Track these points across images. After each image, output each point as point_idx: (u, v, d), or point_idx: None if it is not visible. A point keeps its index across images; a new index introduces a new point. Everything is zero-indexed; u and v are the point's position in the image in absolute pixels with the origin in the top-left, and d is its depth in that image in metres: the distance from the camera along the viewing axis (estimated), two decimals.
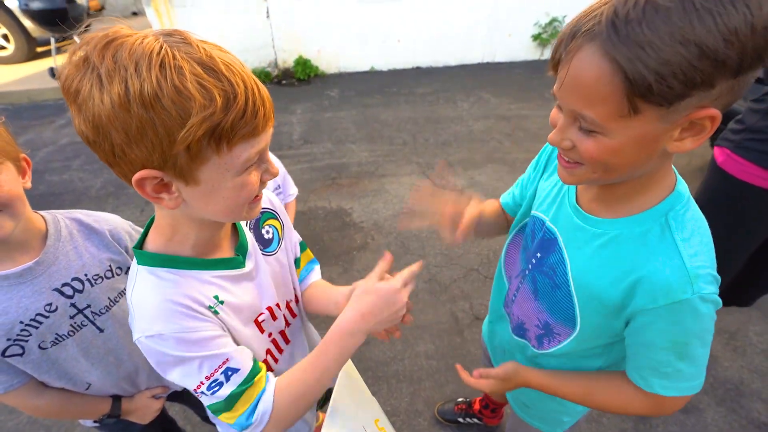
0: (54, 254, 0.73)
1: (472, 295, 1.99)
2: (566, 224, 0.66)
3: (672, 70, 0.40)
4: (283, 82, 4.79)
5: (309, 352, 0.64)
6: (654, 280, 0.53)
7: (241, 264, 0.63)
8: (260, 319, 0.67)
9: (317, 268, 0.87)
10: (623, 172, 0.52)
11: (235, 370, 0.56)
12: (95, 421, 0.90)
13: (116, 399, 0.88)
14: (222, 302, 0.58)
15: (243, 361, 0.57)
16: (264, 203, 0.73)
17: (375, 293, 0.60)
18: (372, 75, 5.04)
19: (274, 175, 0.54)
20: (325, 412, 0.65)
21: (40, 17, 4.34)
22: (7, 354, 0.70)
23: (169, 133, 0.42)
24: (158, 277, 0.54)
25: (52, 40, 4.57)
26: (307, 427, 0.92)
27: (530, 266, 0.74)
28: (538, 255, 0.71)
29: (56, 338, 0.75)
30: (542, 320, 0.72)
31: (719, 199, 1.19)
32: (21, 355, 0.71)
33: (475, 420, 1.44)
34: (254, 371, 0.58)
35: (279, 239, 0.74)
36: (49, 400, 0.79)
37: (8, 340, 0.69)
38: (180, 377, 0.54)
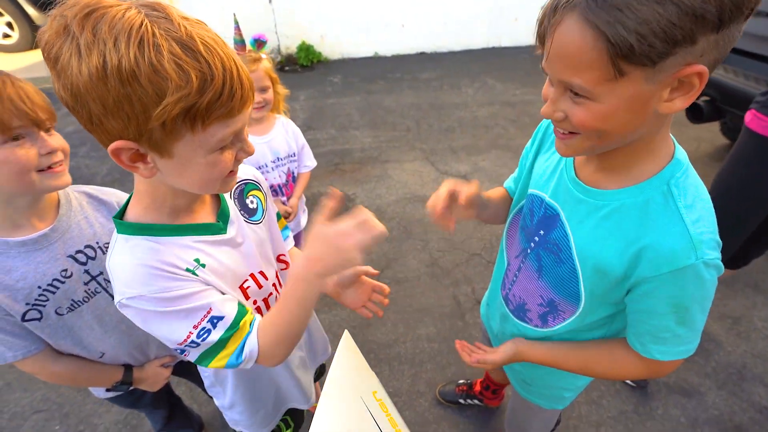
0: (67, 222, 0.77)
1: (474, 279, 2.00)
2: (567, 198, 0.66)
3: (651, 29, 0.40)
4: (286, 68, 4.76)
5: None
6: (658, 248, 0.54)
7: (221, 230, 0.64)
8: (245, 285, 0.68)
9: (291, 236, 0.91)
10: (617, 138, 0.52)
11: (220, 318, 0.57)
12: (108, 389, 0.93)
13: (128, 368, 0.92)
14: (203, 265, 0.60)
15: (226, 309, 0.58)
16: (247, 176, 0.75)
17: (320, 238, 0.57)
18: (375, 61, 4.98)
19: (250, 153, 0.55)
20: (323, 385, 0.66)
21: (45, 5, 4.33)
22: (26, 318, 0.73)
23: (144, 109, 0.43)
24: (136, 244, 0.55)
25: None
26: (306, 399, 0.95)
27: (533, 244, 0.73)
28: (541, 232, 0.71)
29: (72, 304, 0.78)
30: (546, 298, 0.73)
31: (747, 156, 1.28)
32: (39, 320, 0.74)
33: (476, 401, 1.46)
34: (239, 316, 0.59)
35: (263, 210, 0.76)
36: (64, 367, 0.82)
37: (27, 304, 0.72)
38: (169, 331, 0.55)
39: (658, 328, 0.59)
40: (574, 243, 0.64)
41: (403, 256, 2.15)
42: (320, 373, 1.15)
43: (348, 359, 0.69)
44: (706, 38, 0.41)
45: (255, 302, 0.72)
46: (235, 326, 0.58)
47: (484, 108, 3.68)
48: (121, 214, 0.58)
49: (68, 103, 0.44)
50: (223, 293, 0.61)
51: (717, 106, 2.24)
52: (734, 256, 1.49)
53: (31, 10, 4.73)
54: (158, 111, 0.42)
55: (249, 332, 0.60)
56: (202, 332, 0.56)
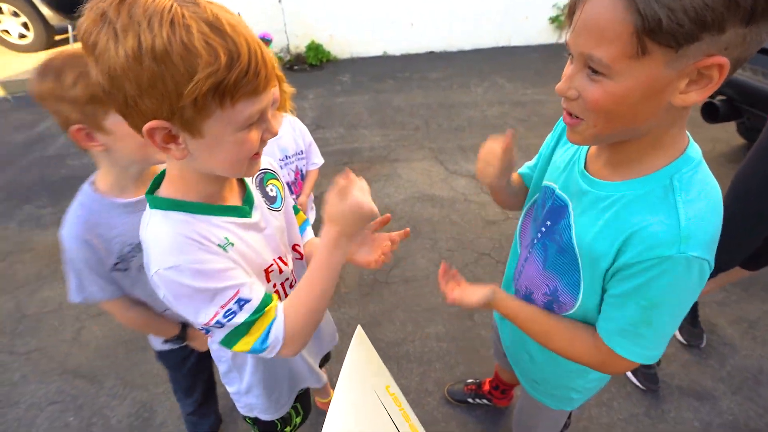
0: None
1: (483, 279, 1.98)
2: (574, 190, 0.66)
3: (683, 5, 0.39)
4: (295, 67, 4.78)
5: None
6: (644, 235, 0.53)
7: (248, 213, 0.67)
8: (270, 269, 0.71)
9: (310, 227, 0.94)
10: (625, 124, 0.51)
11: (247, 300, 0.59)
12: (165, 341, 1.05)
13: (184, 325, 1.02)
14: (232, 244, 0.62)
15: (253, 292, 0.61)
16: (265, 165, 0.79)
17: (337, 207, 0.62)
18: (384, 60, 4.98)
19: (274, 134, 0.58)
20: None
21: (59, 5, 4.41)
22: (115, 268, 0.86)
23: (177, 86, 0.45)
24: (171, 217, 0.58)
25: (70, 28, 4.65)
26: (318, 379, 0.97)
27: (539, 234, 0.74)
28: (548, 223, 0.71)
29: None
30: (551, 286, 0.73)
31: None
32: (125, 270, 0.87)
33: (485, 401, 1.46)
34: (264, 302, 0.61)
35: (282, 198, 0.79)
36: (137, 314, 0.94)
37: (119, 257, 0.85)
38: (196, 308, 0.57)
39: (623, 319, 0.59)
40: (575, 233, 0.64)
41: (411, 255, 2.15)
42: (326, 360, 1.17)
43: (361, 354, 0.69)
44: (735, 30, 0.40)
45: (275, 285, 0.74)
46: (260, 311, 0.60)
47: (494, 107, 3.66)
48: (151, 191, 0.61)
49: (105, 88, 0.47)
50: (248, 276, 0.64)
51: (734, 105, 2.20)
52: (753, 255, 1.46)
53: (46, 11, 4.81)
54: (190, 87, 0.45)
55: (275, 318, 0.62)
56: (228, 313, 0.58)
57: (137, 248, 0.85)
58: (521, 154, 3.24)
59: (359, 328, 0.75)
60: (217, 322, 0.58)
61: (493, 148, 0.78)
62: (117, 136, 0.74)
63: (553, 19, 4.95)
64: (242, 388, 0.88)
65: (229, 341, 0.60)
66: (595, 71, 0.48)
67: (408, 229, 0.80)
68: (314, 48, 4.77)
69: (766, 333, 1.70)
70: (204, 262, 0.56)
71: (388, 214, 0.78)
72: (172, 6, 0.44)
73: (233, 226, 0.63)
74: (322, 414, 1.46)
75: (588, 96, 0.50)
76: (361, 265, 0.76)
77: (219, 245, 0.60)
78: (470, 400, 1.47)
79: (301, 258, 0.87)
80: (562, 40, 5.15)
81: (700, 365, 1.59)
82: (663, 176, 0.54)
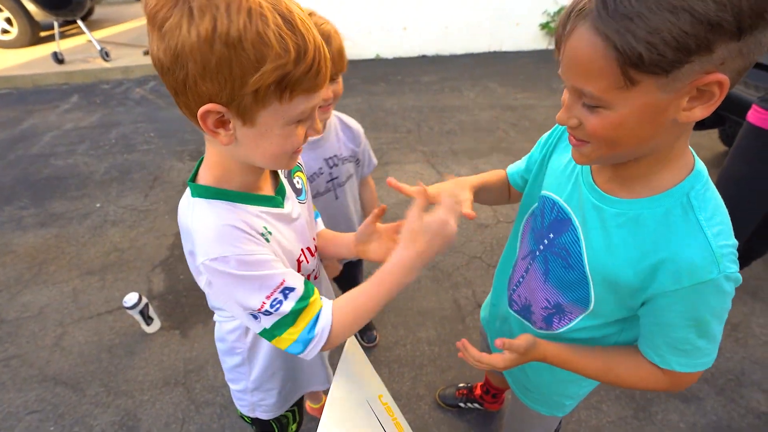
0: (327, 136, 1.08)
1: (474, 282, 1.99)
2: (582, 204, 0.65)
3: (662, 37, 0.39)
4: None
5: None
6: (678, 261, 0.53)
7: (281, 204, 0.68)
8: (300, 259, 0.71)
9: (320, 219, 0.95)
10: (630, 147, 0.51)
11: (292, 289, 0.59)
12: None
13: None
14: (270, 233, 0.62)
15: (297, 282, 0.61)
16: None
17: (429, 232, 0.61)
18: (377, 63, 4.99)
19: (318, 132, 0.59)
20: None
21: (43, 1, 4.31)
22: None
23: (243, 74, 0.45)
24: (215, 206, 0.58)
25: (56, 25, 4.55)
26: (328, 379, 0.98)
27: (541, 247, 0.73)
28: (551, 236, 0.70)
29: (315, 193, 1.10)
30: (552, 301, 0.72)
31: (746, 150, 1.36)
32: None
33: (476, 405, 1.46)
34: (308, 292, 0.62)
35: (306, 191, 0.80)
36: None
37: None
38: (245, 297, 0.57)
39: (678, 341, 0.58)
40: (586, 250, 0.63)
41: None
42: None
43: (354, 363, 0.68)
44: (726, 46, 0.40)
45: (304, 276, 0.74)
46: (305, 299, 0.60)
47: (485, 111, 3.69)
48: (192, 179, 0.61)
49: (164, 65, 0.46)
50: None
51: (717, 113, 2.25)
52: (740, 255, 1.49)
53: (30, 6, 4.71)
54: (256, 77, 0.45)
55: (321, 308, 0.62)
56: (275, 302, 0.58)
57: (311, 178, 1.06)
58: (512, 158, 3.26)
59: (351, 337, 0.74)
60: (265, 311, 0.58)
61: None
62: None
63: (544, 26, 5.03)
64: (249, 386, 0.86)
65: (275, 329, 0.60)
66: (589, 105, 0.48)
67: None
68: None
69: (748, 335, 1.74)
70: (250, 252, 0.57)
71: (384, 205, 0.77)
72: None
73: (268, 216, 0.64)
74: (312, 420, 1.44)
75: (588, 125, 0.50)
76: (376, 261, 0.74)
77: (262, 234, 0.60)
78: (462, 404, 1.47)
79: (316, 251, 0.86)
80: (552, 47, 5.23)
81: None
82: (679, 194, 0.54)
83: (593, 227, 0.63)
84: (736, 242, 0.54)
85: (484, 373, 1.56)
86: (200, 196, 0.59)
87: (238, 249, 0.55)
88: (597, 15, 0.42)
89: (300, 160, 0.82)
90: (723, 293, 0.53)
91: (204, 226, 0.56)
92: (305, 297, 0.61)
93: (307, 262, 0.74)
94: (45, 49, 4.89)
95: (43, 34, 5.21)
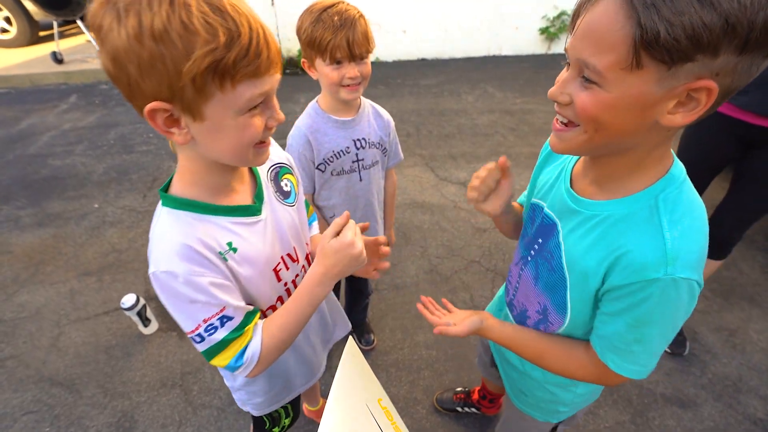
0: (360, 117, 1.14)
1: (472, 286, 1.99)
2: (561, 208, 0.67)
3: (682, 22, 0.40)
4: (287, 71, 4.75)
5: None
6: (631, 258, 0.54)
7: (257, 211, 0.67)
8: (278, 268, 0.71)
9: (316, 223, 0.96)
10: (610, 136, 0.51)
11: (230, 318, 0.61)
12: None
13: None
14: (235, 249, 0.62)
15: (237, 312, 0.62)
16: (281, 159, 0.78)
17: (332, 253, 0.65)
18: (377, 66, 4.99)
19: (280, 121, 0.57)
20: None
21: (43, 1, 4.31)
22: (318, 167, 1.13)
23: (176, 65, 0.45)
24: (178, 218, 0.58)
25: (55, 24, 4.54)
26: (317, 368, 1.00)
27: (532, 252, 0.74)
28: (540, 241, 0.72)
29: (340, 171, 1.16)
30: (542, 304, 0.73)
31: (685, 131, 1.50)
32: (322, 171, 1.14)
33: (473, 409, 1.46)
34: (245, 322, 0.63)
35: (295, 193, 0.79)
36: (316, 211, 1.14)
37: (323, 159, 1.12)
38: (183, 316, 0.59)
39: (615, 336, 0.60)
40: (564, 252, 0.65)
41: (402, 262, 2.15)
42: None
43: (353, 366, 0.68)
44: (727, 57, 0.41)
45: (285, 284, 0.75)
46: (239, 330, 0.62)
47: (484, 116, 3.70)
48: (165, 188, 0.61)
49: (111, 71, 0.47)
50: (245, 288, 0.66)
51: None
52: (717, 245, 1.44)
53: (29, 5, 4.70)
54: (188, 65, 0.45)
55: (251, 339, 0.64)
56: (210, 328, 0.60)
57: (337, 155, 1.12)
58: (511, 162, 3.28)
59: (350, 338, 0.74)
60: (198, 334, 0.60)
61: (490, 169, 0.76)
62: (321, 74, 1.02)
63: (543, 30, 5.05)
64: (235, 384, 0.89)
65: (207, 355, 0.62)
66: (588, 79, 0.49)
67: (386, 237, 0.82)
68: None
69: (745, 341, 1.74)
70: (198, 274, 0.57)
71: (385, 238, 0.80)
72: None
73: (241, 227, 0.64)
74: (311, 423, 1.44)
75: (579, 100, 0.50)
76: (359, 275, 0.76)
77: (220, 253, 0.60)
78: (459, 408, 1.47)
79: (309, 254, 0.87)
80: (551, 51, 5.26)
81: (682, 373, 1.62)
82: (648, 196, 0.55)
83: (570, 230, 0.64)
84: (701, 250, 0.54)
85: (481, 378, 1.57)
86: (167, 205, 0.59)
87: (188, 269, 0.56)
88: None
89: (291, 161, 0.81)
90: (668, 297, 0.53)
91: (162, 238, 0.57)
92: (240, 328, 0.62)
93: (287, 269, 0.74)
94: (44, 49, 4.89)
95: (42, 33, 5.20)
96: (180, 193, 0.60)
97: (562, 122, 0.55)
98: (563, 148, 0.57)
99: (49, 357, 1.69)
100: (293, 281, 0.76)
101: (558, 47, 5.23)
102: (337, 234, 0.65)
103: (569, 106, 0.52)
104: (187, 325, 0.60)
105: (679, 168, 0.57)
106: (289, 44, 4.80)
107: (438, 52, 5.12)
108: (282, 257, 0.72)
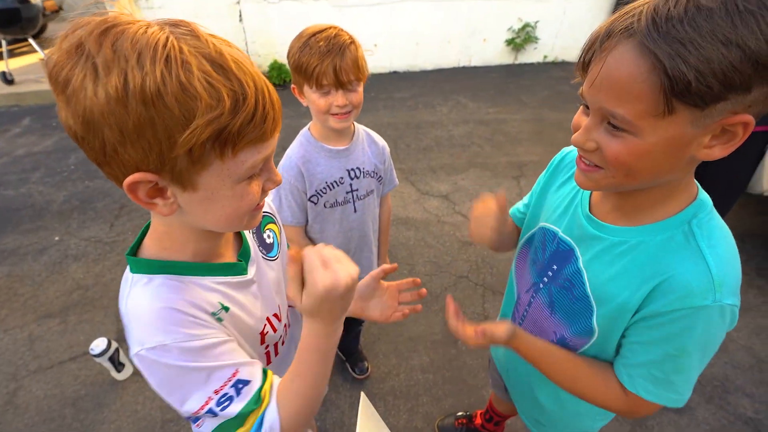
0: (354, 146, 1.08)
1: (463, 303, 1.97)
2: (581, 234, 0.64)
3: (712, 68, 0.39)
4: None
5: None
6: (674, 283, 0.52)
7: (243, 270, 0.59)
8: (265, 331, 0.63)
9: None
10: (645, 178, 0.50)
11: (246, 382, 0.50)
12: None
13: None
14: (227, 309, 0.54)
15: (253, 372, 0.52)
16: (263, 208, 0.69)
17: (317, 297, 0.49)
18: None
19: (277, 183, 0.51)
20: None
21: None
22: (310, 199, 1.06)
23: (169, 134, 0.38)
24: (155, 284, 0.49)
25: (3, 43, 4.25)
26: None
27: (545, 279, 0.71)
28: (555, 267, 0.69)
29: (334, 202, 1.09)
30: (558, 334, 0.70)
31: None
32: (315, 203, 1.08)
33: None
34: (262, 383, 0.52)
35: (278, 244, 0.71)
36: (305, 245, 1.04)
37: (316, 190, 1.06)
38: (185, 395, 0.48)
39: (654, 366, 0.57)
40: (588, 280, 0.62)
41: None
42: None
43: (370, 428, 0.62)
44: (760, 89, 0.40)
45: (267, 347, 0.66)
46: (258, 395, 0.51)
47: (460, 127, 3.74)
48: (134, 252, 0.52)
49: (77, 134, 0.39)
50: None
51: None
52: None
53: None
54: (186, 136, 0.38)
55: (269, 404, 0.52)
56: (224, 399, 0.49)
57: (330, 186, 1.06)
58: (489, 173, 3.28)
59: (363, 396, 0.68)
60: (209, 410, 0.48)
61: (488, 206, 0.75)
62: (309, 100, 0.97)
63: (509, 42, 5.21)
64: None
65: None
66: (616, 127, 0.46)
67: (418, 279, 0.75)
68: (277, 67, 4.69)
69: (727, 339, 1.77)
70: (196, 338, 0.48)
71: (395, 265, 0.72)
72: (167, 39, 0.37)
73: (226, 287, 0.56)
74: None
75: (609, 150, 0.48)
76: (374, 320, 0.69)
77: (213, 314, 0.52)
78: None
79: (291, 306, 0.79)
80: (518, 62, 5.43)
81: None
82: (681, 221, 0.54)
83: (594, 257, 0.62)
84: (739, 277, 0.53)
85: (481, 399, 1.53)
86: (140, 271, 0.50)
87: (180, 335, 0.46)
88: (647, 34, 0.41)
89: (272, 208, 0.73)
90: (713, 325, 0.52)
91: (138, 308, 0.47)
92: (258, 392, 0.51)
93: (274, 331, 0.65)
94: None
95: None
96: (155, 257, 0.51)
97: (587, 163, 0.53)
98: (593, 186, 0.55)
99: (4, 416, 1.51)
100: (275, 345, 0.68)
101: (524, 57, 5.40)
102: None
103: (596, 151, 0.50)
104: (193, 403, 0.48)
105: (705, 195, 0.56)
106: (260, 60, 4.71)
107: (409, 64, 5.17)
108: (268, 318, 0.64)
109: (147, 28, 0.38)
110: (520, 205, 0.87)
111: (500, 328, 0.69)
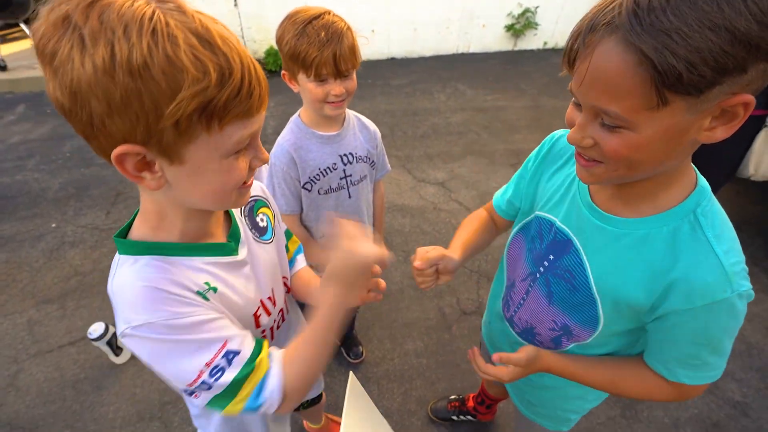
0: (345, 131, 1.07)
1: (458, 289, 1.98)
2: (582, 225, 0.63)
3: (703, 57, 0.37)
4: None
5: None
6: (691, 281, 0.52)
7: (233, 251, 0.60)
8: (258, 313, 0.64)
9: (302, 255, 0.87)
10: (647, 169, 0.50)
11: (236, 353, 0.52)
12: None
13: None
14: (215, 289, 0.55)
15: (243, 343, 0.54)
16: (256, 191, 0.71)
17: (342, 265, 0.57)
18: None
19: (264, 161, 0.52)
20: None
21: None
22: (304, 186, 1.06)
23: (156, 105, 0.39)
24: (140, 264, 0.50)
25: None
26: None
27: (542, 269, 0.71)
28: (551, 257, 0.68)
29: (328, 189, 1.09)
30: (560, 323, 0.70)
31: None
32: (309, 190, 1.07)
33: (469, 417, 1.44)
34: (256, 352, 0.54)
35: (272, 228, 0.72)
36: (302, 232, 1.14)
37: (309, 177, 1.05)
38: (178, 367, 0.50)
39: (688, 356, 0.58)
40: (592, 272, 0.62)
41: (385, 269, 2.10)
42: (313, 402, 1.08)
43: (358, 407, 0.64)
44: (756, 67, 0.39)
45: (263, 331, 0.67)
46: (251, 363, 0.53)
47: (457, 114, 3.72)
48: (123, 234, 0.53)
49: (64, 106, 0.39)
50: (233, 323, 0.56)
51: None
52: None
53: None
54: (172, 108, 0.39)
55: (268, 370, 0.54)
56: (216, 370, 0.50)
57: (324, 172, 1.05)
58: (486, 160, 3.27)
59: (351, 376, 0.69)
60: (203, 382, 0.50)
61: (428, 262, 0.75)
62: (305, 89, 0.95)
63: (509, 28, 5.13)
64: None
65: (215, 404, 0.52)
66: (610, 122, 0.46)
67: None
68: (273, 54, 4.62)
69: None
70: (181, 315, 0.48)
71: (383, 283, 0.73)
72: (154, 13, 0.37)
73: (215, 268, 0.56)
74: None
75: (607, 146, 0.48)
76: (360, 303, 0.70)
77: (199, 292, 0.52)
78: (454, 417, 1.45)
79: (288, 291, 0.80)
80: (517, 48, 5.36)
81: None
82: (685, 211, 0.53)
83: (598, 249, 0.61)
84: (744, 258, 0.53)
85: (473, 383, 1.55)
86: (127, 252, 0.51)
87: (166, 313, 0.48)
88: (630, 29, 0.39)
89: (266, 192, 0.74)
90: (736, 311, 0.53)
91: (123, 288, 0.48)
92: (251, 361, 0.53)
93: (268, 315, 0.66)
94: None
95: None
96: (143, 238, 0.52)
97: (586, 159, 0.53)
98: (594, 180, 0.55)
99: (6, 398, 1.54)
100: (272, 328, 0.69)
101: (523, 44, 5.33)
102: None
103: (593, 147, 0.49)
104: (185, 377, 0.50)
105: (702, 178, 0.56)
106: (255, 46, 4.65)
107: (407, 51, 5.10)
108: (261, 301, 0.65)
109: (133, 2, 0.38)
110: (501, 200, 0.86)
111: (520, 353, 0.69)
